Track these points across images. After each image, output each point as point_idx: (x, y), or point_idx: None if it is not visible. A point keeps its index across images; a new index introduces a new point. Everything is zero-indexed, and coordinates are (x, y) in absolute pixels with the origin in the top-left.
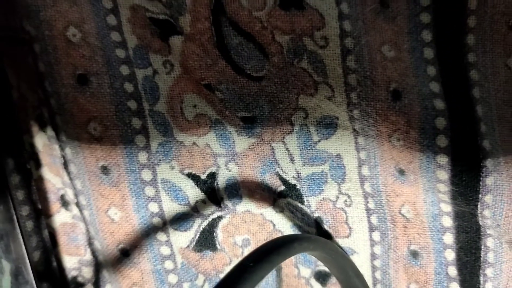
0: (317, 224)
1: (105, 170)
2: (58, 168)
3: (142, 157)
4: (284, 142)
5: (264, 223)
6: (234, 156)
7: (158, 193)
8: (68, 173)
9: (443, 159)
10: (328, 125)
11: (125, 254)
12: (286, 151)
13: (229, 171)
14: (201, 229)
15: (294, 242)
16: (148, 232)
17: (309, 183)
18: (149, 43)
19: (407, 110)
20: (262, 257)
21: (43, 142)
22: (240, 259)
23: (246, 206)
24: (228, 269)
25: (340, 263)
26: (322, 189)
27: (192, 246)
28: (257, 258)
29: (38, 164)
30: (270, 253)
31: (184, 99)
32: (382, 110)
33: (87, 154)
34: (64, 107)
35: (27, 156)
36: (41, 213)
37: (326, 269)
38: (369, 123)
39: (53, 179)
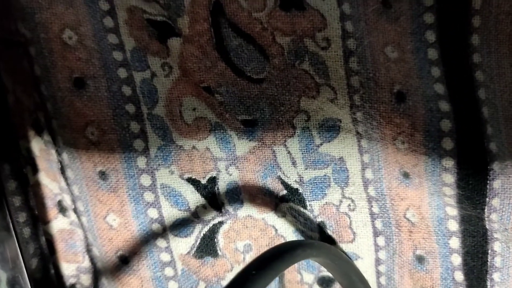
0: (320, 229)
1: (103, 175)
2: (55, 174)
3: (141, 162)
4: (285, 145)
5: (266, 228)
6: (234, 160)
7: (157, 199)
8: (65, 178)
9: (449, 162)
10: (331, 128)
11: (124, 261)
12: (288, 154)
13: (230, 175)
14: (202, 235)
15: (297, 248)
16: (148, 239)
17: (311, 187)
18: (147, 45)
19: (412, 112)
20: (265, 264)
21: (40, 147)
22: (241, 265)
23: (247, 211)
24: (229, 275)
25: (344, 269)
26: (325, 193)
27: (193, 253)
28: (260, 266)
29: (34, 170)
30: (273, 260)
31: (183, 102)
32: (386, 113)
33: (84, 159)
34: (60, 111)
35: (23, 162)
36: (38, 220)
37: (330, 274)
38: (372, 125)
39: (50, 184)
